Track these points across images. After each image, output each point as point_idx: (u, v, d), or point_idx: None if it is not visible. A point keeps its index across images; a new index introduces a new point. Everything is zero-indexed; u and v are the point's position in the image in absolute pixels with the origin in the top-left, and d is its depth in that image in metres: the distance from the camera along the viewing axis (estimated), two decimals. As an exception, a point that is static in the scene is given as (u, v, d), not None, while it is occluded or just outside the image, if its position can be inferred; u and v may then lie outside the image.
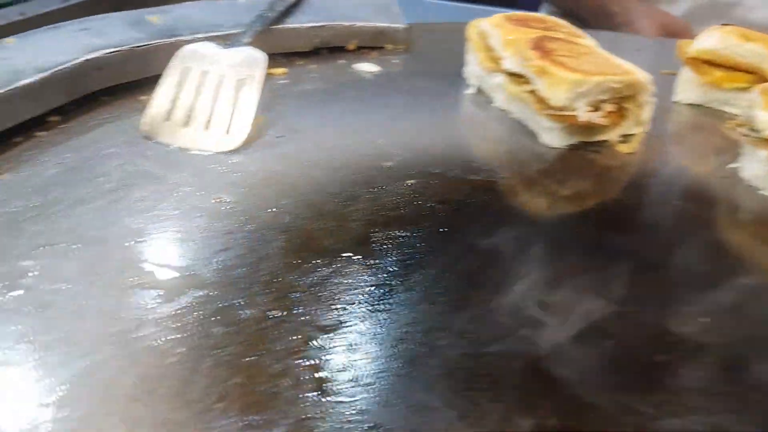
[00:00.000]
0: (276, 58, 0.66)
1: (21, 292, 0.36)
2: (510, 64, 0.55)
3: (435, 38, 0.73)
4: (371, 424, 0.29)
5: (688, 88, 0.61)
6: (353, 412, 0.30)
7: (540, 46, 0.54)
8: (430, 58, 0.69)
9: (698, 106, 0.61)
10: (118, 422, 0.29)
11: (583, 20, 1.06)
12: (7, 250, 0.39)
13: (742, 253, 0.45)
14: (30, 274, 0.37)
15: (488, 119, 0.58)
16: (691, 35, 0.83)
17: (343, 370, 0.32)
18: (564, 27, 0.60)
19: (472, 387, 0.32)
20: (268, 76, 0.61)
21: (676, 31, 0.91)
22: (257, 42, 0.59)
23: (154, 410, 0.29)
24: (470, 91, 0.62)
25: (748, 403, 0.31)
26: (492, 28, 0.59)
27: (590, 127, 0.52)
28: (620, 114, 0.53)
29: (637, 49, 0.73)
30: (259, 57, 0.55)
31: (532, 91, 0.53)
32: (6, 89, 0.49)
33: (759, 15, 0.94)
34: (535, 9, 1.19)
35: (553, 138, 0.53)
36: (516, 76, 0.56)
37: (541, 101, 0.52)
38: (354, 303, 0.36)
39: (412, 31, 0.71)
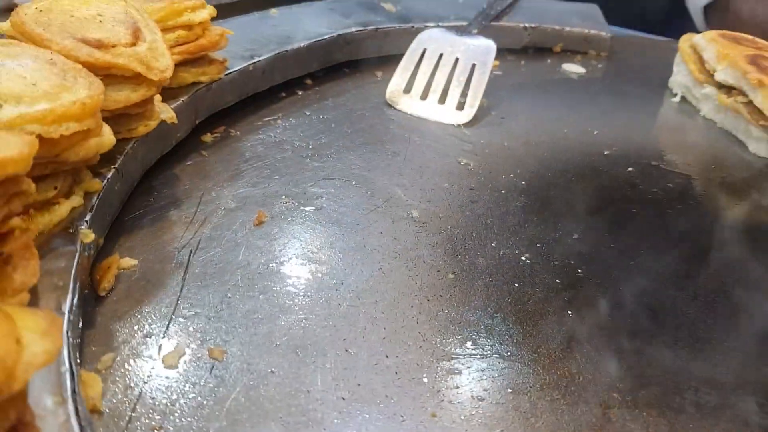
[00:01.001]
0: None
1: (314, 208, 0.43)
2: (724, 75, 0.59)
3: (634, 49, 0.77)
4: (633, 352, 0.34)
5: None
6: (630, 347, 0.35)
7: (756, 62, 0.57)
8: (631, 66, 0.73)
9: None
10: (416, 313, 0.35)
11: None
12: (298, 177, 0.47)
13: None
14: (318, 198, 0.45)
15: (694, 126, 0.62)
16: None
17: (585, 297, 0.37)
18: (777, 47, 0.63)
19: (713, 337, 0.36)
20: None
21: None
22: (482, 34, 0.65)
23: (443, 309, 0.36)
24: (675, 99, 0.66)
25: None
26: (707, 43, 0.62)
27: (802, 142, 0.55)
28: (833, 133, 0.55)
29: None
30: (491, 45, 0.61)
31: (747, 103, 0.56)
32: (282, 50, 0.58)
33: None
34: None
35: (761, 148, 0.56)
36: (727, 88, 0.59)
37: (756, 112, 0.55)
38: (591, 258, 0.41)
39: (614, 40, 0.76)
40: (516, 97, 0.64)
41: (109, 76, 0.37)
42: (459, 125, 0.57)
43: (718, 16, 1.21)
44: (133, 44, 0.38)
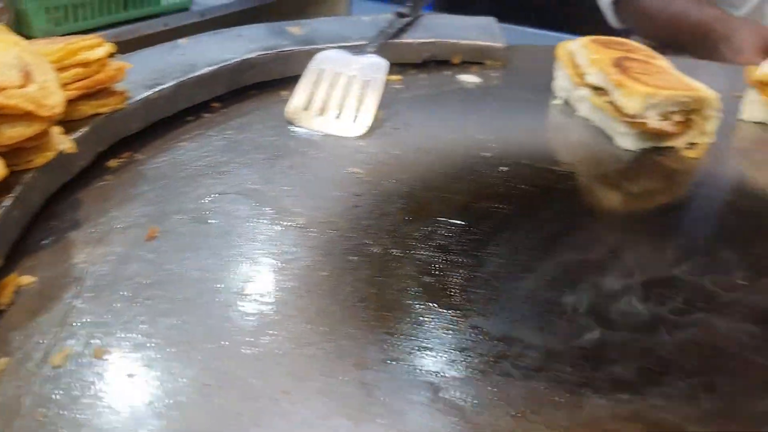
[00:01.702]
0: (393, 67, 0.77)
1: (205, 222, 0.48)
2: (594, 78, 0.65)
3: (528, 57, 0.83)
4: (469, 325, 0.39)
5: (753, 107, 0.68)
6: (454, 312, 0.40)
7: (619, 64, 0.63)
8: (523, 74, 0.79)
9: (762, 124, 0.69)
10: (293, 309, 0.40)
11: (678, 48, 1.14)
12: (193, 195, 0.51)
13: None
14: (210, 212, 0.49)
15: (572, 125, 0.68)
16: None
17: (449, 288, 0.42)
18: (642, 50, 0.69)
19: (546, 309, 0.41)
20: (386, 81, 0.73)
21: None
22: (378, 53, 0.70)
23: (314, 303, 0.41)
24: (557, 101, 0.72)
25: None
26: (579, 48, 0.69)
27: (660, 134, 0.61)
28: (687, 124, 0.61)
29: (712, 74, 0.81)
30: (383, 63, 0.66)
31: (611, 102, 0.62)
32: (185, 77, 0.62)
33: None
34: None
35: (627, 142, 0.62)
36: (598, 90, 0.65)
37: (618, 110, 0.61)
38: (454, 251, 0.47)
39: (509, 50, 0.82)
40: (412, 108, 0.69)
41: (3, 115, 0.42)
42: (354, 137, 0.62)
43: (626, 11, 1.29)
44: (24, 85, 0.43)
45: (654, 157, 0.62)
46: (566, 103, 0.71)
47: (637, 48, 0.70)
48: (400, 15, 0.82)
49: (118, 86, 0.56)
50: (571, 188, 0.57)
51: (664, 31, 1.20)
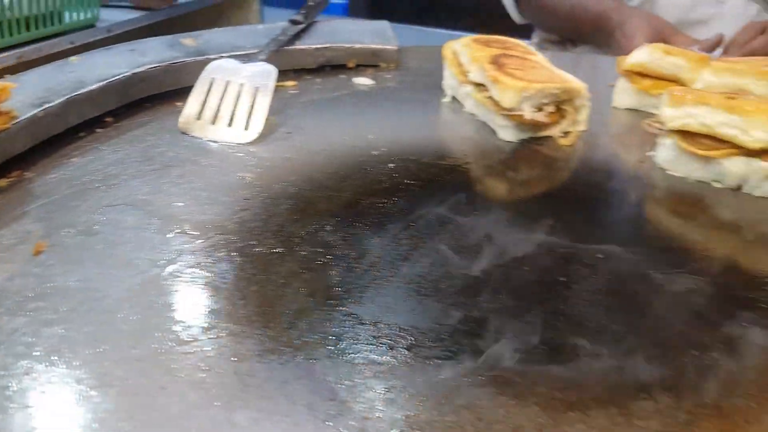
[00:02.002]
0: (288, 73, 0.80)
1: (92, 235, 0.49)
2: (475, 76, 0.69)
3: (421, 58, 0.86)
4: (345, 313, 0.42)
5: (624, 95, 0.73)
6: (331, 303, 0.42)
7: (496, 62, 0.67)
8: (416, 74, 0.83)
9: (633, 110, 0.74)
10: (174, 311, 0.42)
11: (580, 40, 1.20)
12: (82, 208, 0.52)
13: (653, 218, 0.57)
14: (98, 225, 0.50)
15: (459, 121, 0.72)
16: (682, 39, 0.96)
17: (328, 281, 0.45)
18: (520, 47, 0.73)
19: (419, 292, 0.44)
20: (281, 88, 0.75)
21: (667, 34, 1.03)
22: (272, 60, 0.72)
23: (196, 304, 0.42)
24: (446, 99, 0.75)
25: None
26: (462, 48, 0.72)
27: (536, 125, 0.65)
28: (560, 114, 0.66)
29: (593, 66, 0.86)
30: (271, 69, 0.68)
31: (491, 97, 0.66)
32: (74, 94, 0.63)
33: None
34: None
35: (507, 134, 0.66)
36: (480, 86, 0.69)
37: (497, 104, 0.65)
38: (337, 246, 0.49)
39: (402, 52, 0.85)
40: (307, 112, 0.72)
41: None
42: (246, 144, 0.64)
43: (528, 7, 1.34)
44: None
45: (533, 146, 0.66)
46: (454, 100, 0.75)
47: (516, 45, 0.74)
48: (294, 22, 0.84)
49: (4, 106, 0.56)
50: (456, 180, 0.60)
51: (565, 24, 1.26)
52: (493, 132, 0.68)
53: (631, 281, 0.46)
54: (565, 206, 0.57)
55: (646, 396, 0.36)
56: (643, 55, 0.71)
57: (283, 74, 0.76)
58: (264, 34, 0.81)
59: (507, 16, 1.38)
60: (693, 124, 0.57)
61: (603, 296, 0.45)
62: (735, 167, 0.56)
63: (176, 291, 0.43)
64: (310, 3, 0.88)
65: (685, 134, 0.58)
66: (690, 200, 0.58)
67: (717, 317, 0.43)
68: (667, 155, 0.61)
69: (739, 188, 0.58)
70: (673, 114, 0.58)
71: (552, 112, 0.65)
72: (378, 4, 3.71)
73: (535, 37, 1.43)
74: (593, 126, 0.68)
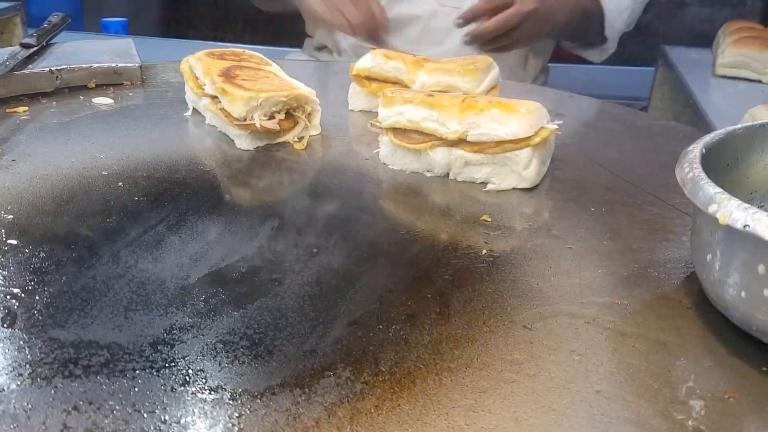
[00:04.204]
0: (20, 98, 0.77)
1: None
2: (208, 88, 0.70)
3: (166, 73, 0.86)
4: (45, 338, 0.41)
5: (356, 98, 0.78)
6: (31, 330, 0.42)
7: (226, 73, 0.69)
8: (160, 89, 0.82)
9: (366, 111, 0.79)
10: None
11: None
12: None
13: (379, 206, 0.62)
14: None
15: (200, 133, 0.73)
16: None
17: (32, 309, 0.44)
18: (255, 58, 0.76)
19: (128, 308, 0.44)
20: (11, 114, 0.72)
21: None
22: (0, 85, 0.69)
23: None
24: (188, 113, 0.76)
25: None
26: (196, 62, 0.73)
27: (269, 132, 0.68)
28: (294, 121, 0.69)
29: (335, 73, 0.91)
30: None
31: (223, 108, 0.68)
32: None
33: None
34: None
35: (243, 142, 0.68)
36: (215, 98, 0.70)
37: (229, 115, 0.67)
38: (48, 271, 0.48)
39: (147, 68, 0.84)
40: (37, 138, 0.69)
41: None
42: (-37, 176, 0.60)
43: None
44: None
45: (271, 152, 0.69)
46: (196, 113, 0.76)
47: (251, 57, 0.76)
48: (25, 46, 0.80)
49: None
50: (188, 192, 0.61)
51: None
52: (232, 142, 0.70)
53: (336, 272, 0.50)
54: (291, 207, 0.60)
55: (330, 374, 0.39)
56: (367, 61, 0.76)
57: (15, 100, 0.74)
58: (-10, 58, 0.77)
59: (297, 24, 1.40)
60: (402, 121, 0.63)
61: (311, 287, 0.48)
62: (439, 157, 0.62)
63: None
64: (45, 25, 0.85)
65: (397, 131, 0.64)
66: (407, 190, 0.63)
67: (409, 292, 0.47)
68: (386, 151, 0.66)
69: (447, 175, 0.64)
70: (386, 113, 0.64)
71: (284, 120, 0.68)
72: (166, 20, 3.60)
73: (307, 45, 1.47)
74: (329, 129, 0.72)
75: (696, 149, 0.46)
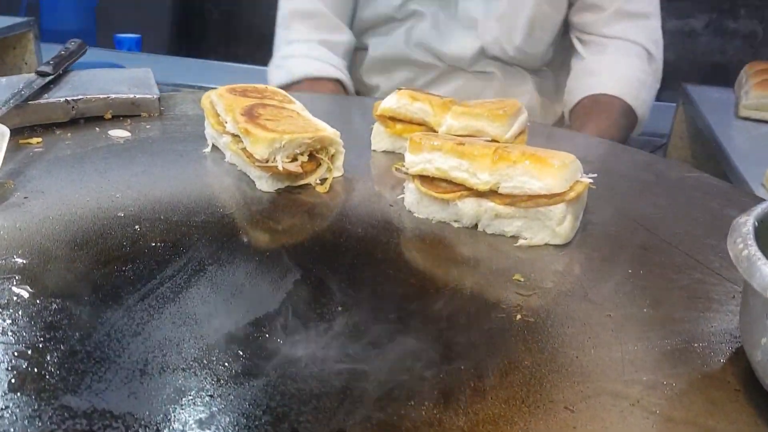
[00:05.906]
0: (35, 129, 0.75)
1: None
2: (229, 126, 0.68)
3: (185, 106, 0.84)
4: (57, 406, 0.39)
5: (379, 138, 0.76)
6: (42, 396, 0.39)
7: (249, 112, 0.67)
8: (179, 123, 0.80)
9: (390, 152, 0.77)
10: None
11: None
12: None
13: (403, 257, 0.59)
14: None
15: (219, 172, 0.70)
16: None
17: (43, 370, 0.41)
18: (278, 95, 0.74)
19: (144, 372, 0.42)
20: (25, 146, 0.70)
21: None
22: (14, 115, 0.67)
23: None
24: (207, 149, 0.74)
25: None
26: (218, 98, 0.71)
27: (292, 174, 0.65)
28: (316, 162, 0.67)
29: (361, 108, 0.89)
30: (4, 131, 0.63)
31: (245, 148, 0.66)
32: None
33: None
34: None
35: (264, 184, 0.66)
36: (237, 137, 0.68)
37: (251, 155, 0.65)
38: (60, 327, 0.46)
39: (164, 99, 0.82)
40: (51, 172, 0.67)
41: None
42: (-27, 213, 0.58)
43: None
44: None
45: (292, 195, 0.67)
46: (216, 149, 0.74)
47: (274, 94, 0.74)
48: (42, 74, 0.79)
49: None
50: (207, 237, 0.59)
51: None
52: (253, 182, 0.67)
53: (362, 335, 0.47)
54: (314, 258, 0.58)
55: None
56: (392, 101, 0.74)
57: (28, 130, 0.71)
58: (6, 88, 0.75)
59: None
60: (430, 169, 0.60)
61: (335, 352, 0.45)
62: (468, 208, 0.60)
63: None
64: (62, 52, 0.83)
65: (424, 178, 0.61)
66: (434, 241, 0.61)
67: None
68: (412, 199, 0.63)
69: (475, 227, 0.62)
70: (413, 160, 0.61)
71: (306, 161, 0.65)
72: (179, 37, 3.60)
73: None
74: (352, 170, 0.70)
75: (749, 222, 0.43)
